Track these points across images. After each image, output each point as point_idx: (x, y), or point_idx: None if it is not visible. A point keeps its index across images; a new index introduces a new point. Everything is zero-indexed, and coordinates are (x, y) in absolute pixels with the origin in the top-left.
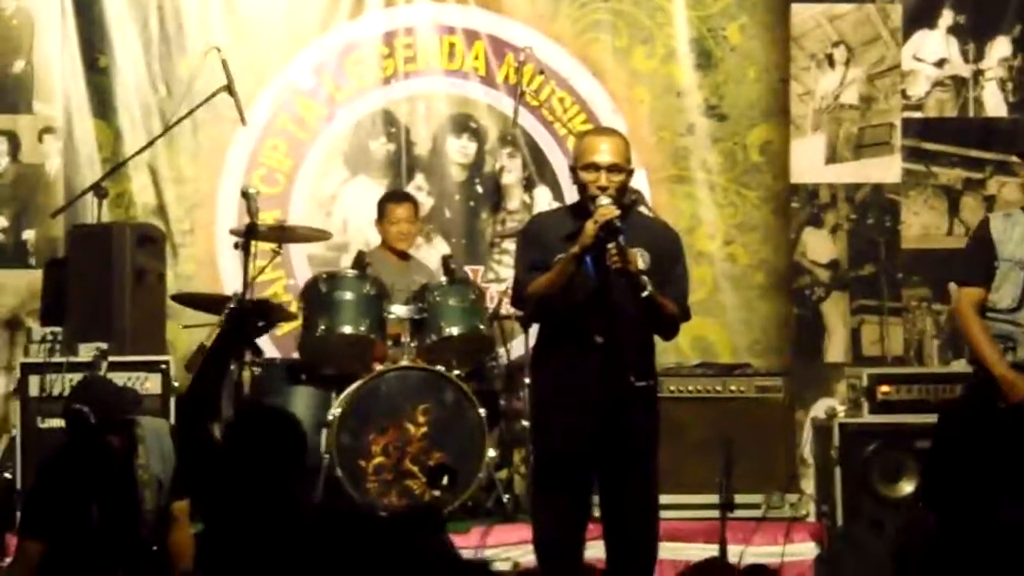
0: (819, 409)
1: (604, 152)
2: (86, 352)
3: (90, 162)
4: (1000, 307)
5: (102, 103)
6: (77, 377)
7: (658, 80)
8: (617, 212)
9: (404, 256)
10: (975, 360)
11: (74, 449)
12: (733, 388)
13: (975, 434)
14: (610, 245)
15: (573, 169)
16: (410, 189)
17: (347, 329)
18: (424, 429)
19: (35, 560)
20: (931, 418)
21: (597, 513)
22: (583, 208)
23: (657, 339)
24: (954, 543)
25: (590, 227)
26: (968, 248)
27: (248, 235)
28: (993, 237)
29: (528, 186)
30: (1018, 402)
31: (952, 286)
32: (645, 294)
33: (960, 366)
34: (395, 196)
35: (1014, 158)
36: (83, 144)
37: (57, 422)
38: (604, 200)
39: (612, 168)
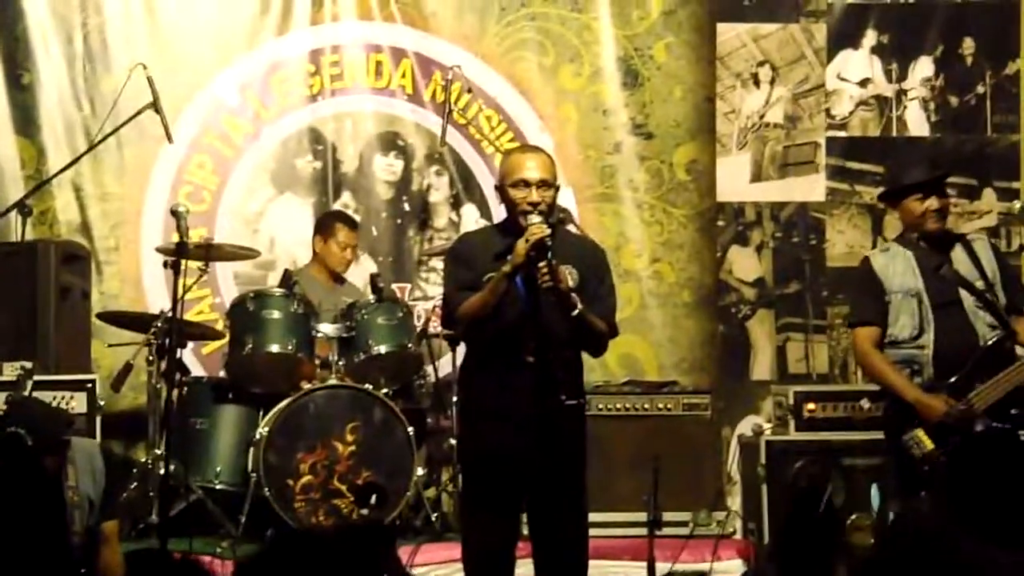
0: (745, 426)
1: (532, 168)
2: (10, 371)
3: (13, 180)
4: (902, 338)
5: (25, 120)
6: (1, 396)
7: (585, 99)
8: (548, 231)
9: (339, 279)
10: (878, 395)
11: (7, 470)
12: (660, 406)
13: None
14: (541, 264)
15: (500, 187)
16: (337, 207)
17: (274, 347)
18: (352, 448)
19: None
20: (857, 435)
21: (526, 531)
22: (511, 226)
23: (585, 356)
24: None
25: (521, 246)
26: (856, 289)
27: (178, 254)
28: (878, 274)
29: (455, 204)
30: (938, 420)
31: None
32: (575, 313)
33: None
34: (347, 219)
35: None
36: (6, 161)
37: None
38: (535, 219)
39: (541, 184)
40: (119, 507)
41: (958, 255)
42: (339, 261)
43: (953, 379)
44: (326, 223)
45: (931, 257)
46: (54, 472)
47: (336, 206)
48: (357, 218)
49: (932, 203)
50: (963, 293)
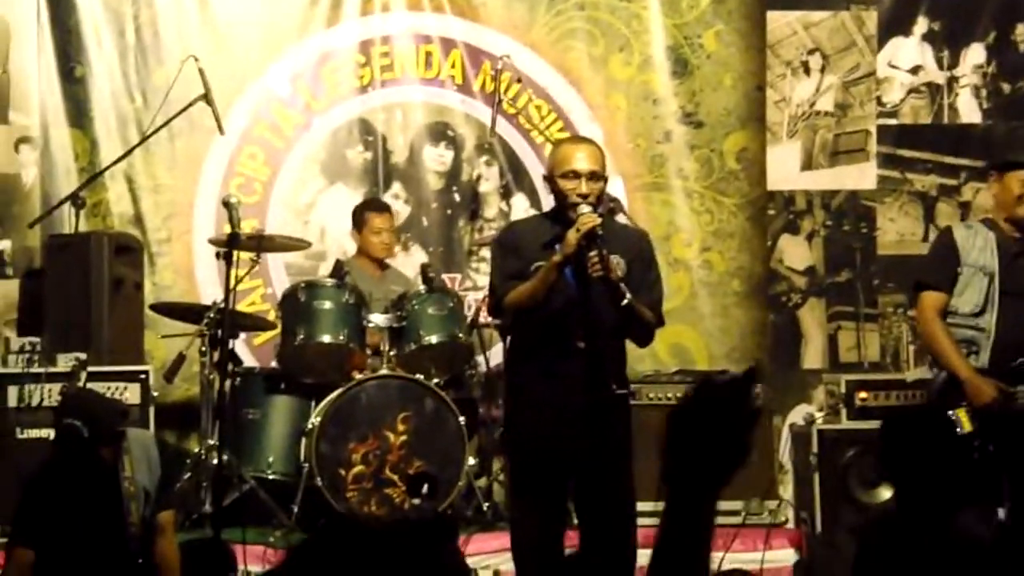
0: (797, 416)
1: (583, 160)
2: (64, 362)
3: (67, 172)
4: (963, 311)
5: (78, 112)
6: (56, 387)
7: (634, 88)
8: (599, 220)
9: (383, 265)
10: (935, 363)
11: (64, 462)
12: None
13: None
14: (592, 253)
15: (549, 177)
16: (387, 198)
17: (326, 338)
18: (404, 438)
19: (27, 568)
20: None
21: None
22: (559, 215)
23: (632, 346)
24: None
25: (572, 236)
26: (932, 254)
27: (230, 245)
28: (958, 243)
29: (505, 194)
30: (983, 405)
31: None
32: (625, 302)
33: (919, 374)
34: (375, 205)
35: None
36: (60, 154)
37: (36, 432)
38: (585, 208)
39: (591, 176)
40: (174, 497)
41: None
42: (378, 248)
43: (1010, 366)
44: (357, 215)
45: (1012, 244)
46: (111, 463)
47: (386, 197)
48: (390, 201)
49: None
50: None
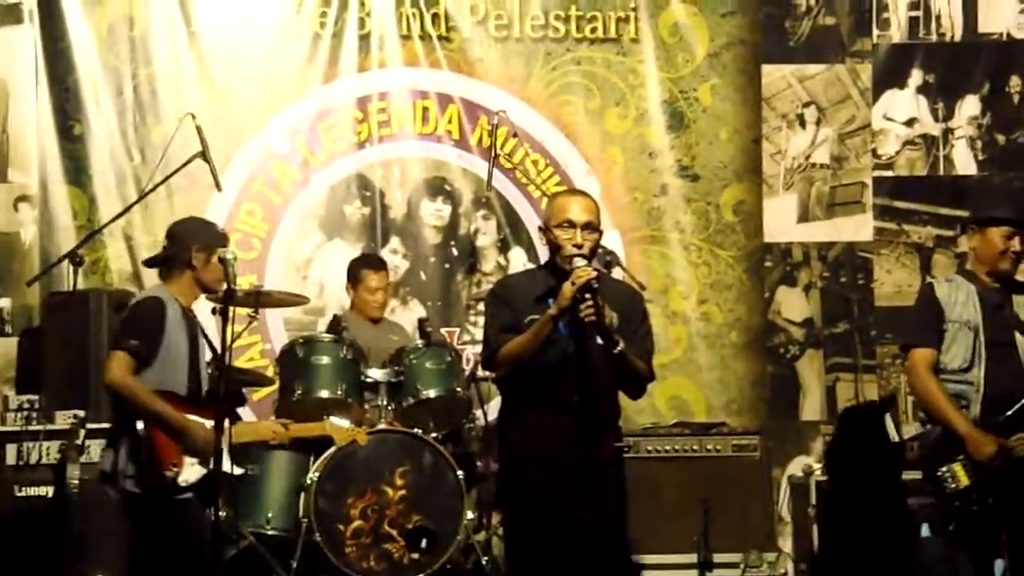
0: (796, 467)
1: (579, 211)
2: (63, 420)
3: (65, 229)
4: (952, 367)
5: (77, 170)
6: (54, 445)
7: (631, 141)
8: (594, 274)
9: (375, 320)
10: (930, 420)
11: None
12: (710, 447)
13: None
14: (587, 295)
15: (544, 228)
16: (385, 253)
17: (324, 393)
18: (402, 492)
19: None
20: (907, 475)
21: None
22: (554, 268)
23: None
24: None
25: (568, 289)
26: (916, 312)
27: (227, 301)
28: (940, 300)
29: (503, 248)
30: (984, 459)
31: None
32: (618, 350)
33: (912, 431)
34: (371, 262)
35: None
36: (58, 212)
37: (35, 490)
38: (580, 261)
39: (587, 226)
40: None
41: (1020, 301)
42: (371, 307)
43: (1000, 419)
44: (353, 271)
45: (993, 296)
46: None
47: (384, 251)
48: (388, 256)
49: (1015, 244)
50: (1018, 337)
